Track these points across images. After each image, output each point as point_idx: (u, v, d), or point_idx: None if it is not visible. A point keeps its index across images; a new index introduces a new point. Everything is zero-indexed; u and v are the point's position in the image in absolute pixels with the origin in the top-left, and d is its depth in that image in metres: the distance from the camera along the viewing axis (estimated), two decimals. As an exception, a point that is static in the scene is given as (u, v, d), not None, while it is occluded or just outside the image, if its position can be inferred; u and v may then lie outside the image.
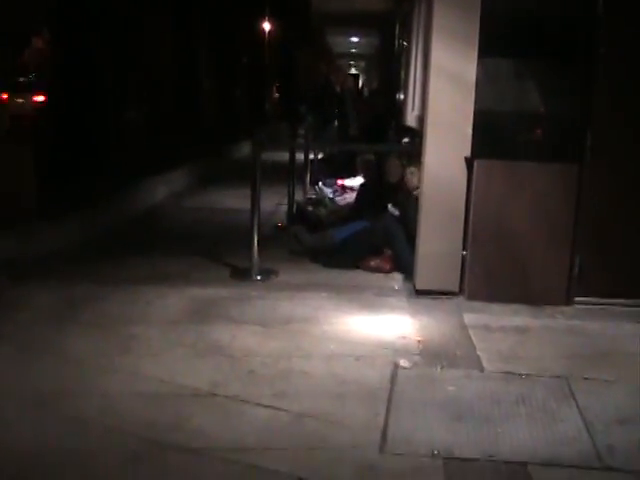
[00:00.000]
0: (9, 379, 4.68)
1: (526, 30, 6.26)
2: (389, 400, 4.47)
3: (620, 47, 6.25)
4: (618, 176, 6.39)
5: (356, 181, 11.33)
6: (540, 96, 6.32)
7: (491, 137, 6.36)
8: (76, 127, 12.96)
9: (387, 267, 7.39)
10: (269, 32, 36.96)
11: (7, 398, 4.40)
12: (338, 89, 18.81)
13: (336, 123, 17.92)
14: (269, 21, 36.20)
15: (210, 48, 25.76)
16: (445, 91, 6.37)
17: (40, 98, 13.62)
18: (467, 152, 6.37)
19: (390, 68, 18.42)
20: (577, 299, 6.50)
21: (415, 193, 7.13)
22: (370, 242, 7.56)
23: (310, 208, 9.98)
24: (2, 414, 4.21)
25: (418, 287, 6.65)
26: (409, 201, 7.37)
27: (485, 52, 6.27)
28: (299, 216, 9.60)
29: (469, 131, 6.34)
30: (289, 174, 10.35)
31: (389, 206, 7.84)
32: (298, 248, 8.10)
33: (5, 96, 12.10)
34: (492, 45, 6.26)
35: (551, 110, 6.35)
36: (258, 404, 4.37)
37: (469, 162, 6.38)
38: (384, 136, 12.82)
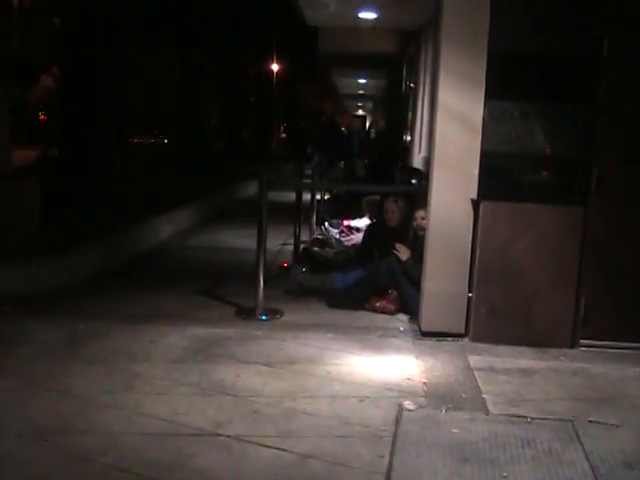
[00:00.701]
0: (10, 413, 4.65)
1: (532, 71, 6.30)
2: (393, 442, 4.44)
3: (624, 87, 6.27)
4: (623, 217, 6.39)
5: (362, 222, 11.34)
6: (545, 137, 6.33)
7: (497, 178, 6.37)
8: (80, 160, 13.07)
9: (392, 308, 7.37)
10: (277, 72, 37.25)
11: (7, 433, 4.38)
12: (344, 130, 18.92)
13: (341, 163, 18.01)
14: (277, 61, 36.49)
15: (218, 86, 25.94)
16: (452, 132, 6.39)
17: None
18: (473, 193, 6.38)
19: (397, 109, 18.51)
20: (582, 341, 6.47)
21: (422, 234, 7.12)
22: (375, 283, 7.54)
23: (316, 249, 9.97)
24: (2, 448, 4.19)
25: (423, 328, 6.63)
26: (415, 243, 7.37)
27: (492, 93, 6.30)
28: (306, 256, 9.60)
29: (475, 172, 6.35)
30: (295, 214, 10.37)
31: (397, 247, 7.79)
32: (296, 289, 8.07)
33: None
34: (499, 86, 6.30)
35: (556, 151, 6.36)
36: (262, 444, 4.34)
37: (475, 203, 6.38)
38: (390, 177, 12.87)
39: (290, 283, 8.23)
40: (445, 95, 6.40)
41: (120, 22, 14.88)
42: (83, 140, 13.60)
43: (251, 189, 17.95)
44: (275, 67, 36.72)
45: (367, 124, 42.22)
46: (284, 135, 45.20)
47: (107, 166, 13.97)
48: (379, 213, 9.59)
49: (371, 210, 11.15)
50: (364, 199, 11.83)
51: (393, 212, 8.31)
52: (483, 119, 6.34)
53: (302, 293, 7.93)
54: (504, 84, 6.33)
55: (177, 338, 6.29)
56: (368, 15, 12.32)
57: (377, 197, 10.86)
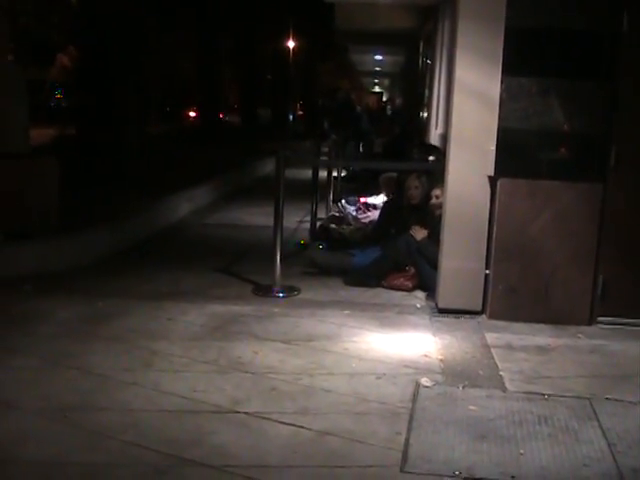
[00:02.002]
0: (30, 391, 4.69)
1: (550, 47, 6.26)
2: (410, 419, 4.45)
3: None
4: (641, 194, 6.37)
5: (378, 199, 11.32)
6: (564, 114, 6.30)
7: (514, 155, 6.35)
8: (97, 141, 13.10)
9: (410, 285, 7.36)
10: (293, 49, 37.12)
11: (27, 410, 4.42)
12: (359, 108, 18.87)
13: (357, 141, 17.98)
14: (293, 38, 36.36)
15: (235, 66, 25.93)
16: (469, 109, 6.37)
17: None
18: (490, 170, 6.36)
19: (414, 86, 18.45)
20: (600, 318, 6.46)
21: (438, 213, 7.10)
22: (393, 260, 7.54)
23: (333, 226, 9.98)
24: (23, 425, 4.24)
25: (440, 305, 6.63)
26: (432, 221, 7.35)
27: (509, 69, 6.26)
28: (322, 233, 9.61)
29: (493, 149, 6.33)
30: (312, 191, 10.37)
31: (413, 229, 7.76)
32: (313, 266, 8.08)
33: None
34: (516, 62, 6.26)
35: (574, 128, 6.32)
36: (280, 421, 4.36)
37: (492, 180, 6.36)
38: (408, 154, 12.83)
39: (307, 260, 8.24)
40: (462, 71, 6.37)
41: (137, 3, 14.88)
42: (100, 119, 13.61)
43: (268, 167, 17.92)
44: (292, 44, 36.62)
45: (384, 100, 42.11)
46: (301, 113, 45.12)
47: (125, 146, 13.98)
48: (397, 190, 9.57)
49: (388, 187, 11.11)
50: (381, 176, 11.80)
51: (416, 188, 8.24)
52: (500, 95, 6.30)
53: (319, 271, 7.94)
54: (521, 60, 6.29)
55: (195, 315, 6.32)
56: (385, -9, 12.28)
57: (394, 174, 10.83)
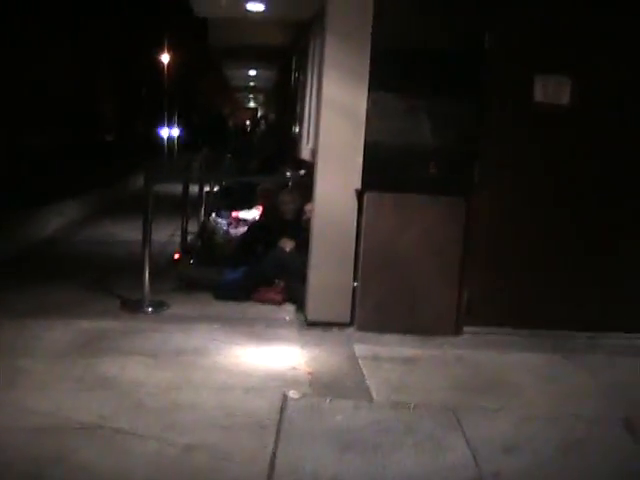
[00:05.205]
0: None
1: (415, 65, 6.39)
2: (278, 431, 4.46)
3: (505, 81, 6.43)
4: (503, 208, 6.56)
5: (251, 214, 11.31)
6: (429, 130, 6.43)
7: (381, 170, 6.45)
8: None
9: (279, 298, 7.38)
10: (169, 65, 36.86)
11: None
12: (230, 123, 18.88)
13: (229, 156, 17.94)
14: (168, 53, 36.11)
15: (110, 78, 25.59)
16: (336, 124, 6.45)
17: None
18: (358, 184, 6.44)
19: (287, 101, 18.53)
20: (466, 329, 6.62)
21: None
22: (262, 274, 7.54)
23: (203, 240, 9.93)
24: None
25: (309, 318, 6.67)
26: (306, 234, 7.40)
27: (375, 86, 6.37)
28: (192, 248, 9.57)
29: (360, 163, 6.41)
30: (183, 206, 10.32)
31: (281, 241, 7.79)
32: (184, 281, 8.03)
33: None
34: (382, 79, 6.37)
35: (440, 144, 6.47)
36: (145, 437, 4.32)
37: (359, 194, 6.45)
38: (280, 169, 12.86)
39: (179, 275, 8.18)
40: (330, 88, 6.45)
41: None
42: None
43: (142, 182, 17.74)
44: (166, 59, 36.34)
45: (258, 116, 42.16)
46: (179, 128, 44.84)
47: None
48: (273, 202, 9.54)
49: (266, 199, 11.06)
50: (258, 187, 11.79)
51: (288, 203, 8.29)
52: (367, 111, 6.40)
53: (190, 285, 7.89)
54: (388, 78, 6.40)
55: (61, 332, 6.18)
56: (256, 7, 12.28)
57: (271, 187, 10.84)
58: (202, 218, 11.77)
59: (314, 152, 7.00)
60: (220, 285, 7.64)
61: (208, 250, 9.38)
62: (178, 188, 11.69)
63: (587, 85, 6.48)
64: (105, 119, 26.37)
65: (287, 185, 8.59)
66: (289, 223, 8.20)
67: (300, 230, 7.75)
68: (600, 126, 6.56)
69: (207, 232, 10.59)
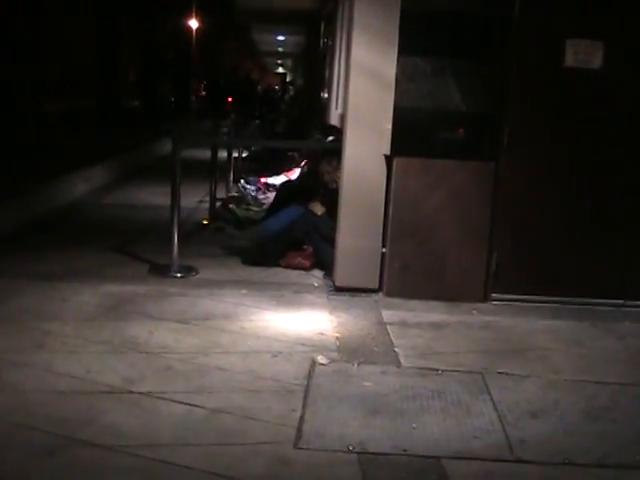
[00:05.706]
0: None
1: (444, 29, 6.34)
2: (305, 396, 4.48)
3: (533, 47, 6.35)
4: (533, 174, 6.50)
5: (279, 179, 11.30)
6: (458, 94, 6.39)
7: (410, 135, 6.41)
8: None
9: (307, 264, 7.39)
10: (196, 29, 36.72)
11: None
12: (259, 88, 18.84)
13: (257, 121, 17.93)
14: (195, 17, 35.96)
15: (135, 43, 25.53)
16: (365, 89, 6.41)
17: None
18: (387, 149, 6.41)
19: (316, 66, 18.45)
20: (494, 295, 6.59)
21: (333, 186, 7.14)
22: (291, 238, 7.54)
23: (232, 206, 9.93)
24: None
25: (337, 284, 6.67)
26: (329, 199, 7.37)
27: (405, 50, 6.32)
28: (221, 213, 9.57)
29: (389, 129, 6.38)
30: (211, 171, 10.32)
31: (312, 204, 7.76)
32: (233, 244, 8.03)
33: None
34: (411, 43, 6.32)
35: (468, 108, 6.42)
36: (173, 400, 4.34)
37: (388, 159, 6.42)
38: (308, 134, 12.84)
39: (206, 240, 8.18)
40: (358, 52, 6.40)
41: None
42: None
43: (168, 147, 17.72)
44: (194, 23, 36.20)
45: (287, 82, 42.10)
46: (204, 93, 44.74)
47: (18, 131, 13.72)
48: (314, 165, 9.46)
49: (307, 164, 10.94)
50: (300, 153, 11.75)
51: (329, 173, 8.15)
52: (396, 76, 6.36)
53: (218, 250, 7.90)
54: (417, 41, 6.35)
55: (89, 296, 6.23)
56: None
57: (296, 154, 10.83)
58: (231, 184, 11.78)
59: (343, 117, 6.96)
60: (255, 238, 7.68)
61: (235, 217, 9.37)
62: (205, 154, 11.72)
63: (619, 49, 6.39)
64: (131, 85, 26.32)
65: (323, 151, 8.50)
66: (324, 189, 8.13)
67: (333, 196, 7.72)
68: (632, 91, 6.47)
69: (236, 198, 10.60)
